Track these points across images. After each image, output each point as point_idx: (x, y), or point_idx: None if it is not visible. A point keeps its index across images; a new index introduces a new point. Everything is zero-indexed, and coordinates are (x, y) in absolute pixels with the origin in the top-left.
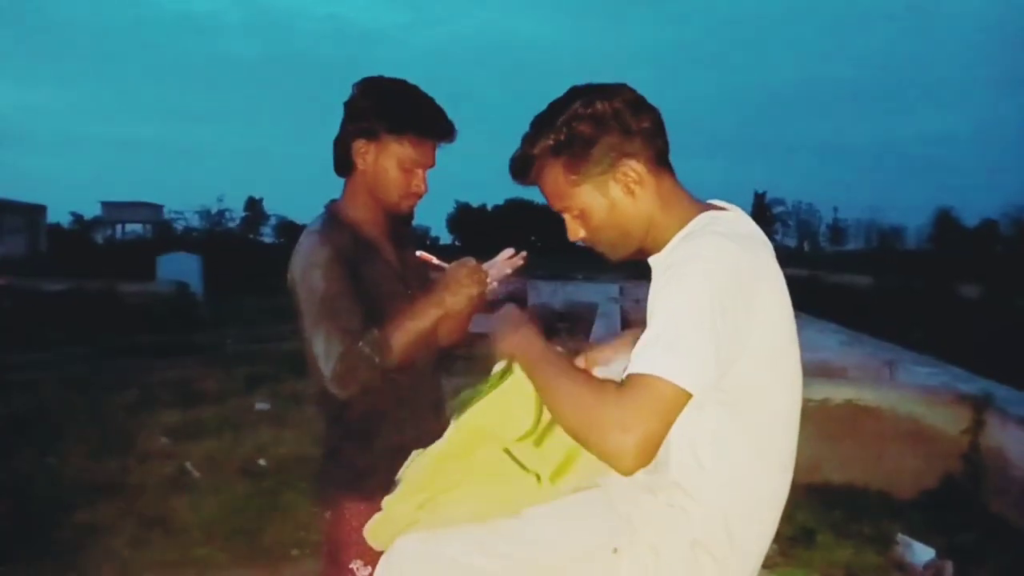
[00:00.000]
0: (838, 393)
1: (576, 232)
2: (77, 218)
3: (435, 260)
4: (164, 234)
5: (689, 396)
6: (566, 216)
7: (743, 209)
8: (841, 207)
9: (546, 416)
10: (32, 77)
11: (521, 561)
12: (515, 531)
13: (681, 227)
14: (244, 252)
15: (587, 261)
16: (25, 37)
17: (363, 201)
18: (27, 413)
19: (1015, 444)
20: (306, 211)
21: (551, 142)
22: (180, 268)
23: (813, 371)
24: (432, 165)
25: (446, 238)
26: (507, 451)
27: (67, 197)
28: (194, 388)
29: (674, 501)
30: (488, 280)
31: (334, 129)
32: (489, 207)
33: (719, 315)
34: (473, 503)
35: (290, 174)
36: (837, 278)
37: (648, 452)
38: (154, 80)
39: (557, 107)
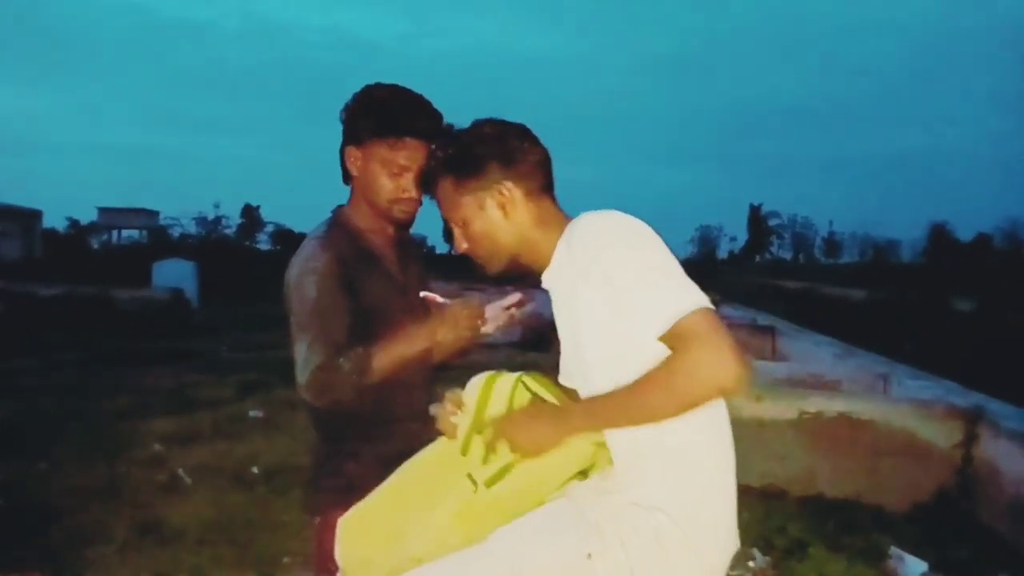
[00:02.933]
0: (832, 406)
1: (460, 244)
2: (73, 223)
3: (439, 299)
4: (160, 240)
5: (712, 309)
6: (454, 227)
7: (741, 222)
8: (836, 220)
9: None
10: (30, 82)
11: None
12: (487, 555)
13: (558, 239)
14: (240, 259)
15: None
16: (23, 42)
17: (363, 209)
18: (20, 418)
19: (1008, 458)
20: (303, 219)
21: (446, 155)
22: (176, 274)
23: (807, 383)
24: (421, 167)
25: (442, 247)
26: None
27: (64, 202)
28: (187, 395)
29: (634, 498)
30: (484, 325)
31: (332, 138)
32: None
33: (662, 250)
34: (418, 512)
35: (287, 182)
36: (831, 291)
37: (741, 358)
38: (152, 87)
39: (457, 132)
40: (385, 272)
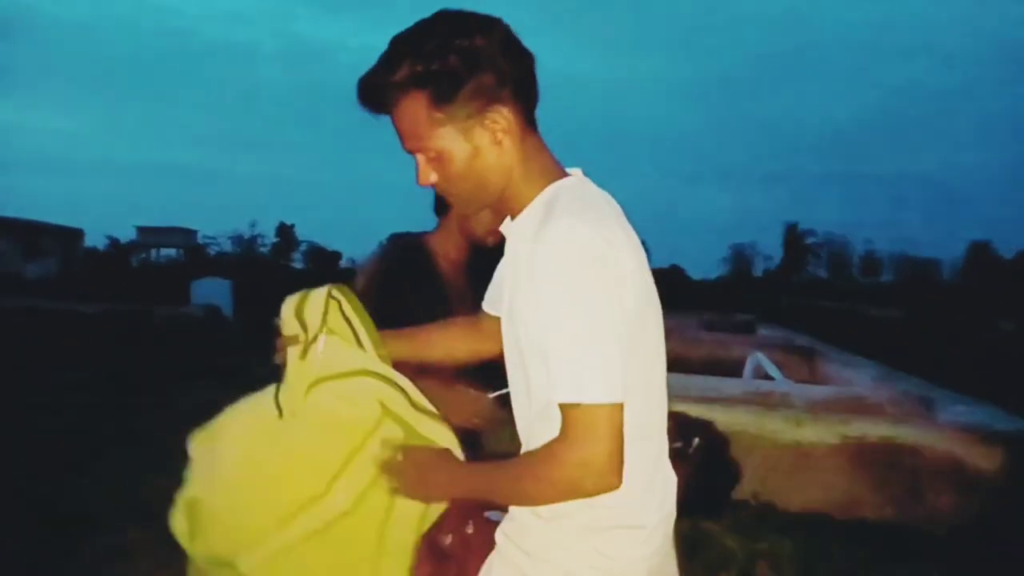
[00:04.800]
0: (874, 430)
1: (427, 176)
2: (113, 242)
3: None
4: (197, 258)
5: (619, 404)
6: (419, 157)
7: (776, 240)
8: (874, 239)
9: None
10: (72, 104)
11: None
12: None
13: (538, 193)
14: (275, 277)
15: None
16: (64, 65)
17: (452, 238)
18: (60, 433)
19: None
20: (336, 238)
21: (418, 70)
22: (213, 292)
23: (847, 407)
24: None
25: None
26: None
27: (104, 221)
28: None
29: (504, 529)
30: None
31: (367, 158)
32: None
33: (606, 313)
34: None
35: (322, 201)
36: (870, 310)
37: (617, 465)
38: (191, 108)
39: (426, 32)
40: (437, 291)
